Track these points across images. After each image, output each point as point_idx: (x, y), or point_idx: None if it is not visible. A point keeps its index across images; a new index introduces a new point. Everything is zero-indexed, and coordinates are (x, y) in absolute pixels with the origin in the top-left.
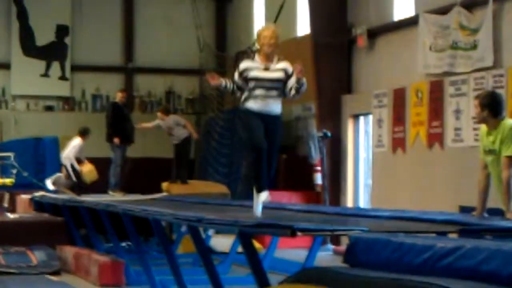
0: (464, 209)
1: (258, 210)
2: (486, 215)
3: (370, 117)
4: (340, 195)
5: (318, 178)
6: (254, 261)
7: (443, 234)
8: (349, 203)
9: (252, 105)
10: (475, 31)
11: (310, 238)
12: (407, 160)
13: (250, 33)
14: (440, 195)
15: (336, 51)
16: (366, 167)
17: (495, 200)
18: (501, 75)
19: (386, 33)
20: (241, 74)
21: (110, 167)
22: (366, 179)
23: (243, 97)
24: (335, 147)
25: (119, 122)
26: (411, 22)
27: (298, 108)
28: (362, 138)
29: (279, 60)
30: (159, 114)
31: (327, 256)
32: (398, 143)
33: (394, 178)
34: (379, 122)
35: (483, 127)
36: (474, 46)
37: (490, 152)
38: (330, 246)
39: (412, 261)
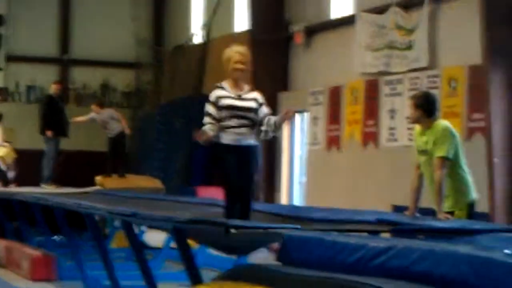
0: (397, 208)
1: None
2: (418, 214)
3: (306, 114)
4: (275, 193)
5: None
6: (187, 257)
7: (375, 233)
8: (284, 200)
9: (226, 138)
10: (411, 31)
11: None
12: (342, 158)
13: (187, 27)
14: (374, 194)
15: (273, 47)
16: (301, 164)
17: (428, 200)
18: (436, 76)
19: (324, 31)
20: (215, 104)
21: (42, 160)
22: (300, 177)
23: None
24: (270, 143)
25: (53, 114)
26: (348, 21)
27: None
28: (298, 136)
29: (250, 89)
30: (93, 107)
31: (261, 254)
32: (333, 141)
33: (329, 176)
34: (314, 120)
35: (417, 127)
36: (409, 46)
37: (423, 152)
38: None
39: (344, 260)
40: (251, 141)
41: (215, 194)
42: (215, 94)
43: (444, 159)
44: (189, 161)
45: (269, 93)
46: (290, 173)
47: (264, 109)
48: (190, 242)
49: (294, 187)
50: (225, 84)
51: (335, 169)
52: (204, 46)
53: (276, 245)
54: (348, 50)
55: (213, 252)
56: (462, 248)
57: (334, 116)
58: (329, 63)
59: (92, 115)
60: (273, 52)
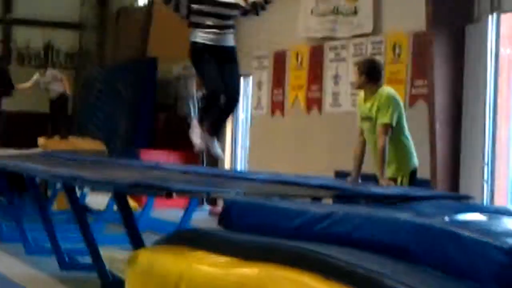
0: (340, 174)
1: (219, 151)
2: (360, 181)
3: (250, 78)
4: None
5: (197, 138)
6: (129, 221)
7: (317, 199)
8: (227, 165)
9: (202, 37)
10: None
11: (187, 198)
12: (286, 123)
13: None
14: (317, 159)
15: None
16: (244, 129)
17: (370, 166)
18: (380, 42)
19: None
20: None
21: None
22: (244, 141)
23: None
24: None
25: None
26: None
27: (178, 67)
28: (242, 100)
29: None
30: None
31: (203, 217)
32: (277, 106)
33: (272, 141)
34: (259, 84)
35: (361, 94)
36: (354, 12)
37: (366, 118)
38: (207, 207)
39: (286, 226)
40: (232, 42)
41: (159, 157)
42: None
43: (387, 126)
44: (133, 123)
45: None
46: (233, 138)
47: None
48: (133, 205)
49: (237, 152)
50: None
51: (279, 134)
52: (149, 8)
53: (218, 208)
54: (292, 14)
55: (156, 215)
56: (403, 214)
57: (278, 81)
58: (274, 27)
59: (35, 78)
60: None
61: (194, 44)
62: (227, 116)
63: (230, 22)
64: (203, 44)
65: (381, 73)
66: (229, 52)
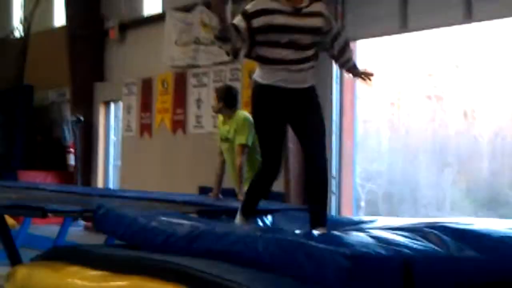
0: (204, 190)
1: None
2: (221, 196)
3: (120, 103)
4: (92, 175)
5: (72, 159)
6: (6, 239)
7: (183, 214)
8: (100, 183)
9: (272, 77)
10: (215, 28)
11: (63, 217)
12: (153, 143)
13: (8, 21)
14: (183, 176)
15: (90, 42)
16: (115, 149)
17: (229, 182)
18: (238, 69)
19: (136, 27)
20: (250, 18)
21: None
22: (115, 161)
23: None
24: (87, 130)
25: None
26: (159, 18)
27: (53, 93)
28: (113, 123)
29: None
30: None
31: (78, 231)
32: (145, 128)
33: (142, 160)
34: (128, 109)
35: (220, 117)
36: (214, 42)
37: (225, 140)
38: (82, 222)
39: (154, 240)
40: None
41: (36, 177)
42: (257, 4)
43: (244, 146)
44: (9, 146)
45: (86, 83)
46: (106, 157)
47: (335, 31)
48: (11, 222)
49: (110, 170)
50: None
51: (148, 154)
52: (24, 40)
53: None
54: (158, 45)
55: (34, 232)
56: (258, 227)
57: (146, 105)
58: (142, 56)
59: None
60: (89, 46)
61: (259, 86)
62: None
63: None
64: (272, 86)
65: (237, 99)
66: (308, 95)
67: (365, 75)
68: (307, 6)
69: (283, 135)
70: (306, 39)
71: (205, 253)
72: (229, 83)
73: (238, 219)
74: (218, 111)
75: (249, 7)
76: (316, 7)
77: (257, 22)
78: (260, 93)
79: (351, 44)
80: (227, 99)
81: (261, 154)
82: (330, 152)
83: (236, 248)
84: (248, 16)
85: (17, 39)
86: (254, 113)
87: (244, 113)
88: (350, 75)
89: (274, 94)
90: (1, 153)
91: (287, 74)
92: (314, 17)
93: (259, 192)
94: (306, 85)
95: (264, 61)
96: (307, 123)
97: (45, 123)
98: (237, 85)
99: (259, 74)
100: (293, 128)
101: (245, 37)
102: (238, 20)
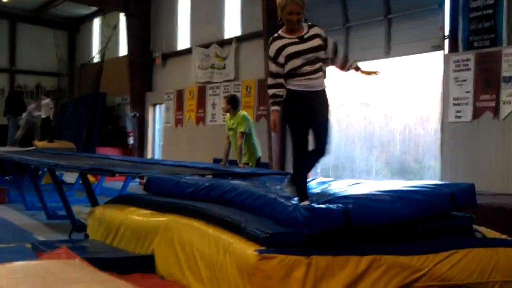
0: (216, 160)
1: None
2: (227, 164)
3: (163, 105)
4: (144, 151)
5: (131, 140)
6: (88, 189)
7: (203, 175)
8: (149, 156)
9: (296, 86)
10: (224, 58)
11: (125, 176)
12: (184, 131)
13: (90, 51)
14: (203, 152)
15: (143, 66)
16: (159, 134)
17: (233, 156)
18: (239, 85)
19: (174, 56)
20: (276, 58)
21: (8, 130)
22: (159, 142)
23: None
24: (141, 122)
25: (13, 102)
26: (188, 51)
27: (119, 98)
28: (158, 118)
29: (309, 27)
30: (43, 96)
31: (135, 186)
32: (179, 122)
33: (176, 142)
34: (167, 109)
35: (228, 115)
36: (223, 67)
37: (231, 129)
38: (137, 180)
39: (184, 192)
40: (323, 85)
41: (107, 151)
42: (274, 47)
43: (243, 133)
44: (90, 132)
45: (141, 92)
46: (153, 140)
47: (331, 45)
48: (92, 179)
49: (156, 148)
50: (282, 32)
51: (180, 138)
52: (100, 64)
53: (143, 180)
54: (187, 68)
55: (106, 186)
56: (251, 184)
57: (179, 107)
58: (177, 75)
59: (44, 101)
60: (143, 68)
61: (291, 92)
62: (309, 169)
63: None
64: (298, 91)
65: (239, 103)
66: (321, 96)
67: (372, 73)
68: (307, 32)
69: (308, 125)
70: (314, 55)
71: (217, 200)
72: (233, 93)
73: (288, 187)
74: (226, 111)
75: (271, 53)
76: (314, 31)
77: (280, 59)
78: (293, 97)
79: None
80: (232, 103)
81: (295, 140)
82: None
83: (239, 198)
84: (275, 58)
85: (95, 63)
86: (289, 111)
87: (243, 112)
88: (360, 73)
89: (302, 96)
90: (86, 136)
91: (309, 82)
92: (314, 39)
93: (303, 167)
94: (321, 88)
95: (292, 76)
96: (321, 122)
97: (114, 117)
98: (238, 94)
99: (291, 85)
100: (311, 122)
101: (281, 71)
102: (274, 67)
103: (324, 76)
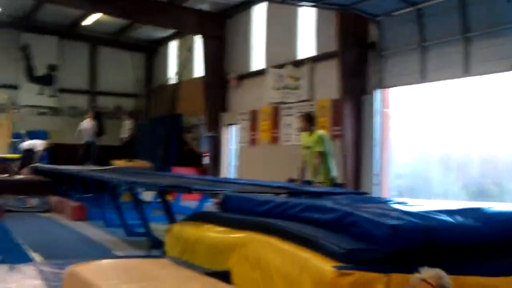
0: (291, 180)
1: None
2: (302, 184)
3: (238, 125)
4: (219, 171)
5: (206, 160)
6: (166, 207)
7: (277, 194)
8: (224, 176)
9: None
10: (298, 79)
11: (201, 194)
12: (259, 151)
13: (166, 73)
14: (277, 172)
15: (218, 87)
16: (234, 155)
17: (309, 176)
18: (313, 105)
19: (248, 77)
20: None
21: (90, 149)
22: (234, 162)
23: None
24: (216, 142)
25: (101, 124)
26: (262, 72)
27: (195, 119)
28: (233, 138)
29: None
30: (125, 116)
31: (210, 205)
32: (253, 141)
33: (251, 162)
34: (242, 129)
35: (303, 134)
36: (297, 87)
37: (307, 148)
38: (212, 199)
39: (259, 209)
40: None
41: (183, 171)
42: None
43: (320, 152)
44: (167, 151)
45: (216, 113)
46: (228, 160)
47: None
48: (169, 198)
49: (231, 168)
50: None
51: (255, 157)
52: (177, 85)
53: (218, 200)
54: (261, 89)
55: (182, 203)
56: (327, 202)
57: (253, 127)
58: (251, 96)
59: (127, 122)
60: (218, 89)
61: None
62: None
63: None
64: None
65: (314, 121)
66: None
67: None
68: None
69: None
70: None
71: (293, 217)
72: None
73: None
74: (303, 129)
75: None
76: None
77: None
78: None
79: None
80: (308, 120)
81: None
82: (373, 158)
83: (314, 216)
84: None
85: (172, 84)
86: None
87: (321, 131)
88: None
89: None
90: (163, 156)
91: None
92: None
93: None
94: None
95: None
96: None
97: (189, 139)
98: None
99: None
100: None
101: None
102: None
103: None
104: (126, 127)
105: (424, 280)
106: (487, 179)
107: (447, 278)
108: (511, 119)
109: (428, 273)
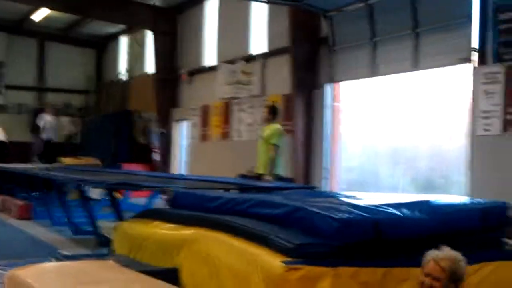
0: (242, 176)
1: None
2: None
3: (188, 122)
4: (169, 167)
5: (156, 156)
6: (115, 204)
7: (227, 190)
8: (174, 172)
9: None
10: (250, 74)
11: (150, 191)
12: (209, 147)
13: (116, 69)
14: (228, 168)
15: (169, 82)
16: (184, 150)
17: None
18: (264, 100)
19: (200, 73)
20: None
21: (33, 147)
22: (184, 158)
23: None
24: (167, 138)
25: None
26: (214, 68)
27: (145, 115)
28: (183, 133)
29: None
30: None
31: (159, 202)
32: (204, 137)
33: (202, 158)
34: (193, 125)
35: (262, 127)
36: (249, 82)
37: (261, 138)
38: (162, 196)
39: (209, 206)
40: None
41: (133, 167)
42: None
43: (274, 145)
44: (117, 148)
45: (166, 109)
46: (179, 156)
47: None
48: (117, 195)
49: (181, 164)
50: None
51: (206, 153)
52: (127, 81)
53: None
54: (213, 84)
55: (131, 201)
56: (277, 197)
57: (204, 123)
58: (202, 92)
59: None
60: (169, 85)
61: None
62: None
63: None
64: None
65: (277, 114)
66: None
67: None
68: None
69: None
70: None
71: (243, 213)
72: (259, 108)
73: None
74: (266, 120)
75: None
76: None
77: None
78: None
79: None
80: (273, 112)
81: None
82: (323, 152)
83: (263, 210)
84: None
85: (122, 80)
86: None
87: (278, 126)
88: None
89: None
90: (113, 152)
91: None
92: None
93: None
94: None
95: None
96: None
97: (139, 134)
98: (263, 110)
99: None
100: None
101: None
102: None
103: None
104: (70, 125)
105: (435, 260)
106: (435, 172)
107: (464, 264)
108: (459, 113)
109: (444, 253)
